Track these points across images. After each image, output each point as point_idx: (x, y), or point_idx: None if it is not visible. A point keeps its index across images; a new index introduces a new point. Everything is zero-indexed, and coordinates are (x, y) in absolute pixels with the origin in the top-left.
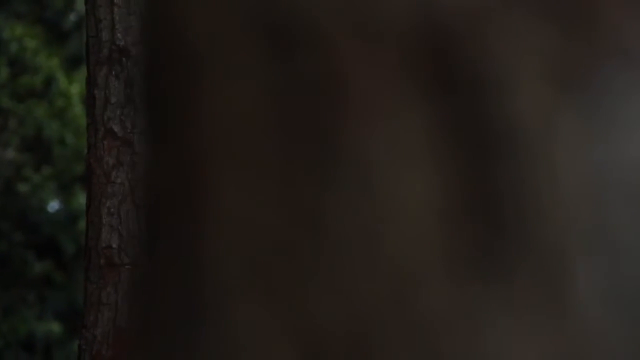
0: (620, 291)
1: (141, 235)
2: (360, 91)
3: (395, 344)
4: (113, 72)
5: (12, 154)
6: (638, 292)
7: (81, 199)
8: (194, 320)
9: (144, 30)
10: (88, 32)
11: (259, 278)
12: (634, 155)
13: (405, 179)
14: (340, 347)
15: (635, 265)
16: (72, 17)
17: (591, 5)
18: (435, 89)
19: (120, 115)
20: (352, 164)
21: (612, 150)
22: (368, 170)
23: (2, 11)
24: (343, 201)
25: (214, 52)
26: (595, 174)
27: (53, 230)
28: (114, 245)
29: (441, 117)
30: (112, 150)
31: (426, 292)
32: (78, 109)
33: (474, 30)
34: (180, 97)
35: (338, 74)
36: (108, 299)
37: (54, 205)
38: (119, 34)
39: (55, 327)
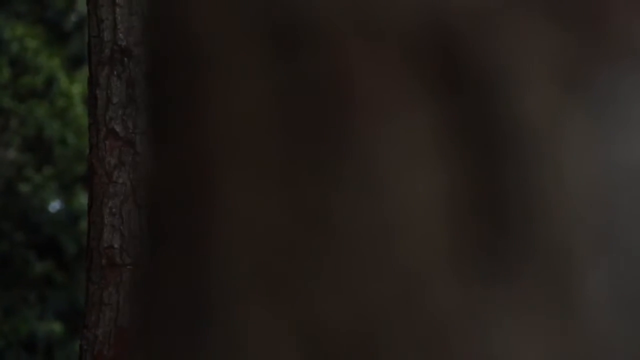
0: (626, 291)
1: (145, 235)
2: (366, 91)
3: (402, 344)
4: (115, 72)
5: (14, 154)
6: None
7: (82, 199)
8: (199, 320)
9: (148, 31)
10: (90, 32)
11: (265, 278)
12: None
13: (412, 179)
14: (347, 347)
15: None
16: (73, 17)
17: (599, 6)
18: (442, 89)
19: (122, 115)
20: (358, 164)
21: (618, 151)
22: (374, 170)
23: (3, 11)
24: (349, 201)
25: (219, 52)
26: (602, 175)
27: (54, 230)
28: (116, 246)
29: (447, 117)
30: (114, 150)
31: (432, 292)
32: (79, 109)
33: (480, 30)
34: (184, 97)
35: (343, 74)
36: (109, 299)
37: (55, 206)
38: (120, 34)
39: (57, 327)
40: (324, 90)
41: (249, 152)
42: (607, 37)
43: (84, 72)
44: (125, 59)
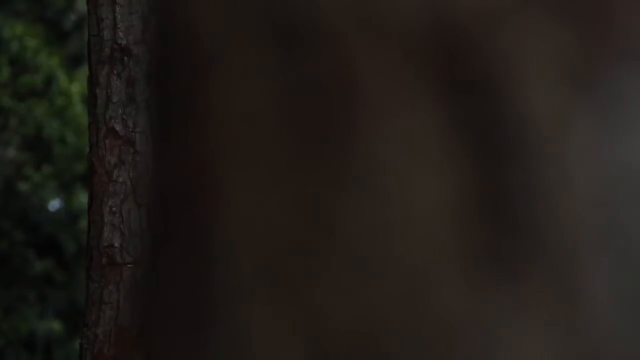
0: (632, 291)
1: (147, 235)
2: (370, 90)
3: (407, 345)
4: (115, 71)
5: (13, 152)
6: None
7: (82, 198)
8: (202, 320)
9: (151, 30)
10: (90, 31)
11: (269, 278)
12: None
13: (417, 179)
14: (351, 347)
15: None
16: (72, 16)
17: (605, 6)
18: (446, 89)
19: (121, 114)
20: (361, 164)
21: (624, 152)
22: (378, 170)
23: (2, 10)
24: (354, 201)
25: (221, 52)
26: (608, 175)
27: (54, 229)
28: (116, 244)
29: (452, 117)
30: (114, 149)
31: (437, 293)
32: (78, 108)
33: (485, 30)
34: (188, 96)
35: (347, 73)
36: (110, 298)
37: (54, 204)
38: (120, 33)
39: (56, 326)
40: (327, 89)
41: (252, 151)
42: (612, 37)
43: (83, 71)
44: (125, 57)
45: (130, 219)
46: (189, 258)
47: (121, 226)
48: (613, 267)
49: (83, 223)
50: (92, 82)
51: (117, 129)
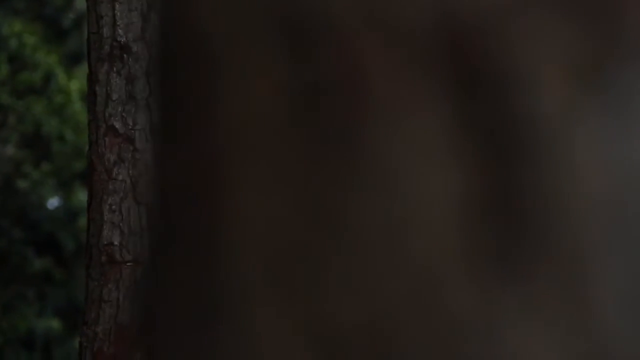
0: None
1: (150, 234)
2: (379, 90)
3: (414, 344)
4: (114, 69)
5: (12, 150)
6: None
7: (81, 196)
8: (207, 319)
9: (153, 27)
10: (89, 29)
11: (277, 278)
12: None
13: (425, 179)
14: (358, 347)
15: None
16: (71, 14)
17: (615, 5)
18: (456, 88)
19: (121, 112)
20: (369, 164)
21: (634, 151)
22: (388, 170)
23: (1, 7)
24: (363, 200)
25: (231, 51)
26: (617, 174)
27: (53, 227)
28: (116, 243)
29: (462, 116)
30: (114, 147)
31: (445, 292)
32: (77, 106)
33: (495, 29)
34: (194, 96)
35: (355, 73)
36: (109, 296)
37: (53, 202)
38: (120, 31)
39: (55, 324)
40: (336, 89)
41: (258, 150)
42: (622, 35)
43: (82, 69)
44: (125, 55)
45: (130, 217)
46: (193, 257)
47: (121, 224)
48: (620, 268)
49: (82, 221)
50: (92, 79)
51: (117, 126)
